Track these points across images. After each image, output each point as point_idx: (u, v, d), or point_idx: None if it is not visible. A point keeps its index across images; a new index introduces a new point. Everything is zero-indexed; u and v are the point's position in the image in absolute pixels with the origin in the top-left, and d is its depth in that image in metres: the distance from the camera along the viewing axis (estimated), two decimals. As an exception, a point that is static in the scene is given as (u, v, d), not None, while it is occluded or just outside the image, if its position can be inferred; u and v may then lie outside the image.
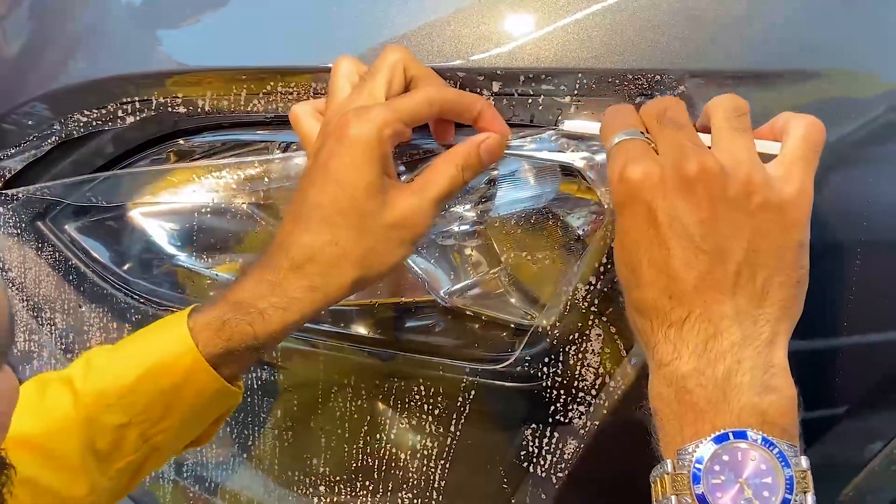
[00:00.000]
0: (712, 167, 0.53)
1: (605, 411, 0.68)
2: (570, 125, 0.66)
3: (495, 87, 0.67)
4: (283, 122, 0.75)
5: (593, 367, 0.68)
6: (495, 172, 0.73)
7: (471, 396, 0.74)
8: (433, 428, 0.77)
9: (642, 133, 0.58)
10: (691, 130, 0.58)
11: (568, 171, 0.69)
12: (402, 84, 0.65)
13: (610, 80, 0.65)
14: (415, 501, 0.78)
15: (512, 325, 0.73)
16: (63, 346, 0.90)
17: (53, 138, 0.82)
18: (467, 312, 0.74)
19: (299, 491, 0.83)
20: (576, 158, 0.67)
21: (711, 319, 0.52)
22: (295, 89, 0.72)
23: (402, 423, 0.83)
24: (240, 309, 0.62)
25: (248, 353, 0.63)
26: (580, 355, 0.69)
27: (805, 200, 0.55)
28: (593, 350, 0.68)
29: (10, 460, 0.42)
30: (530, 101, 0.68)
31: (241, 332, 0.62)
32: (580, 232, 0.70)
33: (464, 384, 0.73)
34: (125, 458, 0.64)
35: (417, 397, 0.77)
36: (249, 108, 0.74)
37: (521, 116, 0.68)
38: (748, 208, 0.53)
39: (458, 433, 0.75)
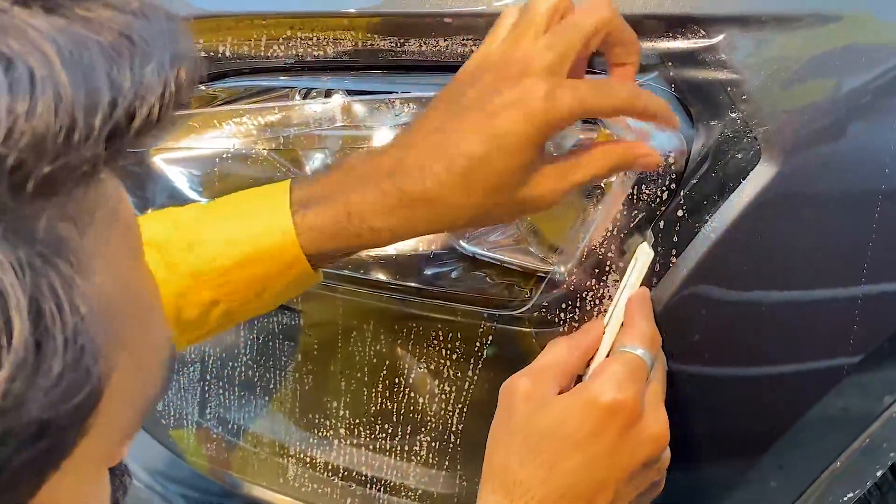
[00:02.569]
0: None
1: (621, 357, 0.68)
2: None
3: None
4: (303, 68, 0.75)
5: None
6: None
7: (488, 342, 0.74)
8: (451, 372, 0.78)
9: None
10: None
11: (587, 118, 0.69)
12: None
13: (633, 25, 0.65)
14: (433, 445, 0.79)
15: (529, 272, 0.73)
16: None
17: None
18: (485, 259, 0.75)
19: (319, 433, 0.84)
20: (595, 104, 0.67)
21: None
22: (314, 34, 0.72)
23: (421, 368, 0.84)
24: (355, 221, 0.60)
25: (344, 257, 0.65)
26: (597, 301, 0.69)
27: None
28: (610, 296, 0.69)
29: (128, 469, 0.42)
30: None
31: (349, 244, 0.62)
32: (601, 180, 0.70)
33: (481, 330, 0.74)
34: (206, 328, 0.65)
35: (436, 342, 0.77)
36: (270, 54, 0.74)
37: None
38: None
39: (475, 378, 0.76)
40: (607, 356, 0.63)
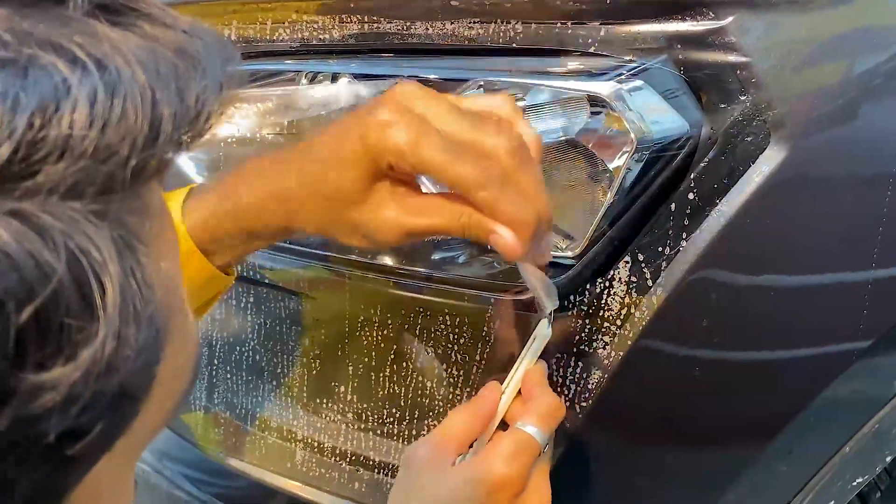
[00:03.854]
0: None
1: (629, 342, 0.68)
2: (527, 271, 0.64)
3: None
4: (309, 51, 0.75)
5: (619, 297, 0.69)
6: (522, 104, 0.73)
7: (496, 326, 0.74)
8: (458, 357, 0.78)
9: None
10: None
11: (595, 101, 0.69)
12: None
13: (641, 3, 0.64)
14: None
15: (538, 256, 0.73)
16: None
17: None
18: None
19: (327, 418, 0.84)
20: (603, 88, 0.66)
21: None
22: (320, 18, 0.72)
23: (428, 353, 0.84)
24: (227, 202, 0.63)
25: (235, 245, 0.65)
26: (606, 285, 0.69)
27: None
28: (619, 280, 0.68)
29: None
30: (558, 26, 0.67)
31: (225, 229, 0.63)
32: (607, 162, 0.70)
33: (489, 314, 0.73)
34: None
35: (443, 327, 0.77)
36: (276, 37, 0.74)
37: (549, 42, 0.67)
38: None
39: (483, 362, 0.76)
40: (504, 427, 0.65)
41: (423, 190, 0.61)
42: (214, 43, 0.31)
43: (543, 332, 0.67)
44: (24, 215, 0.24)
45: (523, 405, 0.65)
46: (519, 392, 0.66)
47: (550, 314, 0.67)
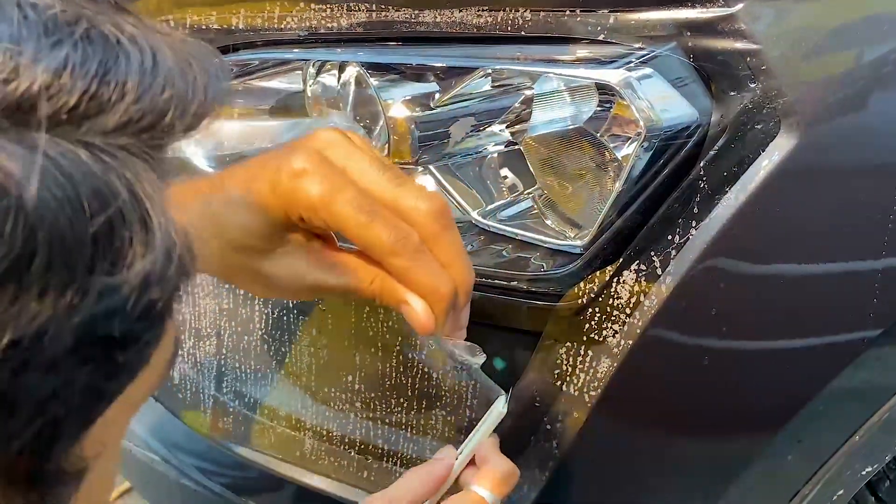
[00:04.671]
0: None
1: (638, 330, 0.68)
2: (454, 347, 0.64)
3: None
4: (317, 40, 0.75)
5: (628, 286, 0.68)
6: (530, 92, 0.73)
7: (504, 315, 0.74)
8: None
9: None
10: None
11: (604, 89, 0.68)
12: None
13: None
14: (448, 419, 0.79)
15: (546, 246, 0.73)
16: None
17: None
18: (501, 233, 0.74)
19: (335, 407, 0.84)
20: (612, 76, 0.66)
21: None
22: (328, 6, 0.71)
23: (435, 342, 0.84)
24: None
25: None
26: (615, 274, 0.69)
27: None
28: (629, 268, 0.68)
29: None
30: (567, 13, 0.67)
31: None
32: (615, 151, 0.69)
33: (497, 304, 0.73)
34: None
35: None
36: (283, 26, 0.74)
37: (557, 30, 0.67)
38: None
39: (490, 351, 0.76)
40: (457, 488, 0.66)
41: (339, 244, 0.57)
42: (206, 50, 0.34)
43: (499, 409, 0.67)
44: (91, 145, 0.28)
45: (478, 470, 0.65)
46: (472, 461, 0.66)
47: (510, 391, 0.67)
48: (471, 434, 0.67)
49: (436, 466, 0.65)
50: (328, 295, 0.61)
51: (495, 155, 0.78)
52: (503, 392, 0.67)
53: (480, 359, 0.64)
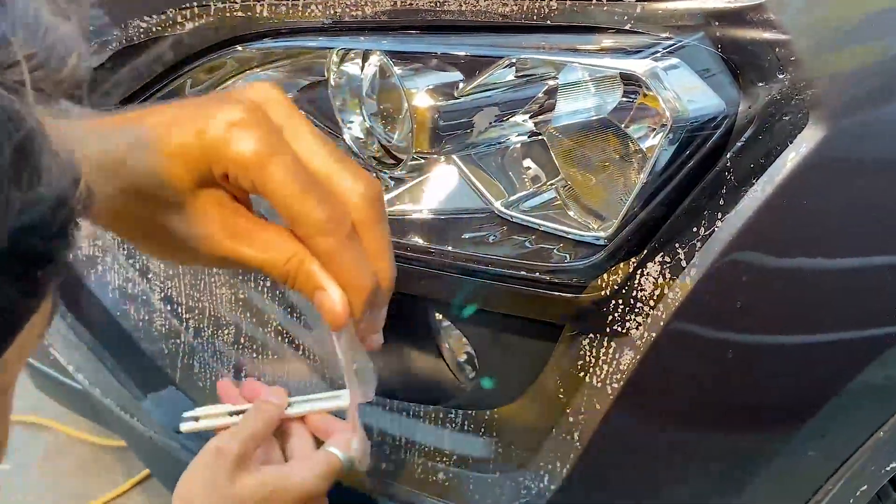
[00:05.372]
0: None
1: (662, 323, 0.68)
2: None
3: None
4: (341, 29, 0.74)
5: (652, 278, 0.68)
6: (554, 82, 0.72)
7: (526, 306, 0.74)
8: (486, 339, 0.78)
9: None
10: None
11: (629, 80, 0.68)
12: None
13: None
14: (470, 413, 0.79)
15: (569, 237, 0.72)
16: (126, 252, 0.92)
17: (113, 45, 0.82)
18: (524, 224, 0.74)
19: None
20: (638, 66, 0.65)
21: None
22: (353, -6, 0.71)
23: (454, 330, 0.84)
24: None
25: None
26: (639, 266, 0.68)
27: None
28: (653, 260, 0.68)
29: None
30: (593, 3, 0.66)
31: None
32: (640, 142, 0.69)
33: (519, 295, 0.73)
34: None
35: (470, 309, 0.77)
36: (307, 14, 0.73)
37: (583, 19, 0.67)
38: None
39: (510, 343, 0.76)
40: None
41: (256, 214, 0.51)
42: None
43: (339, 403, 0.71)
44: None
45: (337, 435, 0.69)
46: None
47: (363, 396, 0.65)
48: (306, 398, 0.72)
49: (263, 407, 0.69)
50: (236, 267, 0.55)
51: (518, 145, 0.77)
52: (352, 395, 0.65)
53: (365, 396, 0.64)
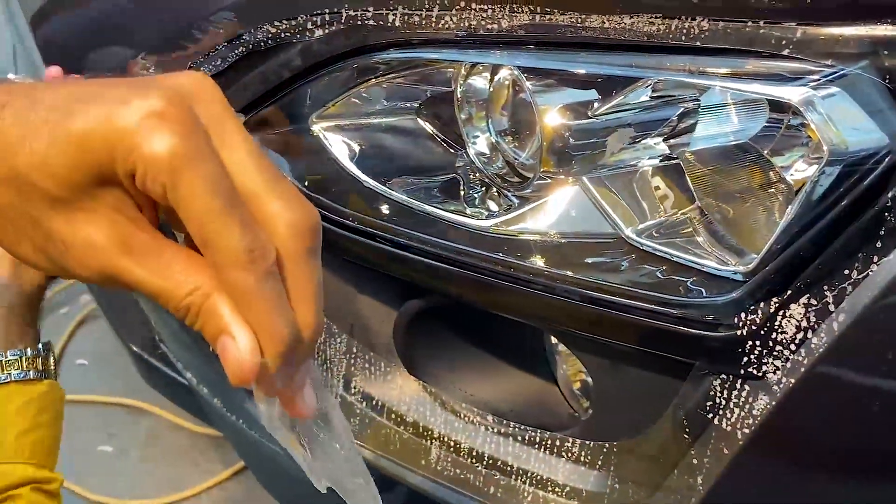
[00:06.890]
0: None
1: (803, 369, 0.63)
2: None
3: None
4: (474, 42, 0.72)
5: (795, 320, 0.64)
6: (691, 104, 0.69)
7: (654, 340, 0.70)
8: (607, 371, 0.75)
9: None
10: None
11: (777, 107, 0.64)
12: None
13: (845, 4, 0.59)
14: (586, 442, 0.76)
15: (704, 270, 0.68)
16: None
17: (241, 48, 0.81)
18: (656, 253, 0.70)
19: (465, 418, 0.82)
20: (793, 94, 0.61)
21: None
22: (490, 6, 0.69)
23: (571, 357, 0.81)
24: None
25: None
26: (781, 306, 0.64)
27: None
28: (797, 302, 0.63)
29: None
30: (749, 25, 0.63)
31: None
32: (787, 173, 0.65)
33: (650, 327, 0.69)
34: None
35: (590, 337, 0.74)
36: (441, 25, 0.71)
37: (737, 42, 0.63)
38: None
39: (641, 376, 0.72)
40: None
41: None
42: None
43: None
44: None
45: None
46: None
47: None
48: None
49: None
50: (124, 290, 0.43)
51: (649, 169, 0.74)
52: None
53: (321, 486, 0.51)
